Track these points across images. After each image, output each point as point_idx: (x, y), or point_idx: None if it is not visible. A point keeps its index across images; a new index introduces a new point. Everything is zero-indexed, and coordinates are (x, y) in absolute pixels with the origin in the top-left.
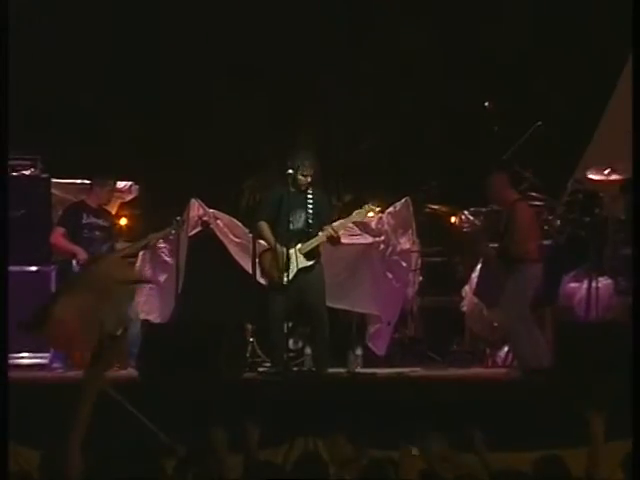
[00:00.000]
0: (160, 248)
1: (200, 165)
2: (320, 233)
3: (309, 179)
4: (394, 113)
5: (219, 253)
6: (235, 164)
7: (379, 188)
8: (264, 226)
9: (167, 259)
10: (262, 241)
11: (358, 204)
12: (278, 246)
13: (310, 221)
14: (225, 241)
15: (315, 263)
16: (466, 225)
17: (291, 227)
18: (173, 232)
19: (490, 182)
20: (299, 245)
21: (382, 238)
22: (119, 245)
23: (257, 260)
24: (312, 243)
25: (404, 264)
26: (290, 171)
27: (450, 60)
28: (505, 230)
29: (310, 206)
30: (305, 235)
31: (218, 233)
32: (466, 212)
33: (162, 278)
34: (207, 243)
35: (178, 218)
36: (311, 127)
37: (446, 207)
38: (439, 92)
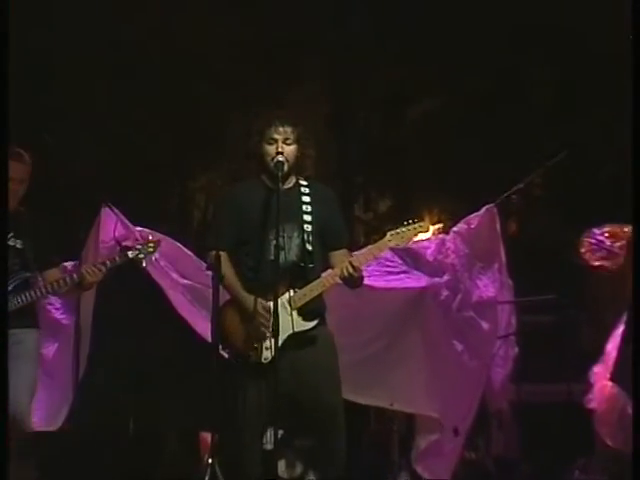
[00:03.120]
0: (46, 299)
1: (120, 150)
2: (330, 270)
3: (292, 162)
4: (455, 80)
5: (153, 305)
6: (179, 149)
7: (435, 189)
8: (221, 259)
9: (60, 317)
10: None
11: (398, 217)
12: (249, 297)
13: (308, 247)
14: (163, 284)
15: (319, 324)
16: (597, 255)
17: (270, 258)
18: (68, 280)
19: None
20: (289, 293)
21: (445, 278)
22: None
23: (220, 319)
24: (313, 289)
25: (486, 325)
26: (259, 149)
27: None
28: None
29: (307, 218)
30: (300, 274)
31: (151, 269)
32: (597, 231)
33: (51, 350)
34: (130, 288)
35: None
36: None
37: (555, 223)
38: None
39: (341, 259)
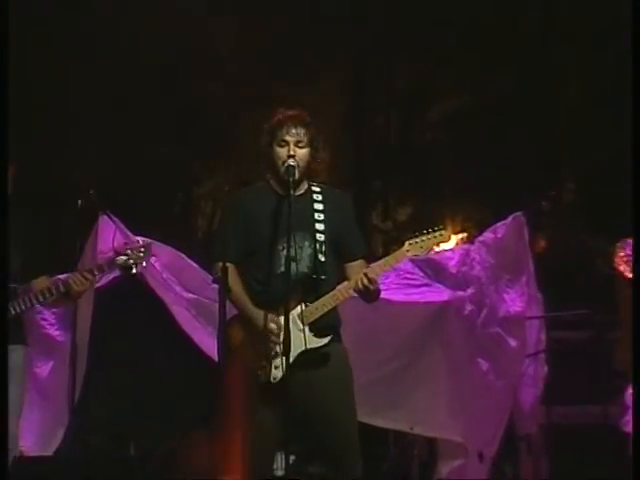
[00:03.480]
0: (40, 313)
1: (119, 153)
2: (346, 282)
3: (304, 167)
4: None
5: (155, 322)
6: (183, 151)
7: (459, 196)
8: (228, 272)
9: (55, 333)
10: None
11: (419, 226)
12: (258, 312)
13: (321, 257)
14: (166, 298)
15: (332, 341)
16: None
17: (280, 270)
18: (54, 290)
19: None
20: (301, 307)
21: (469, 292)
22: None
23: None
24: (325, 303)
25: (513, 342)
26: (272, 152)
27: None
28: None
29: (319, 226)
30: (311, 287)
31: (153, 282)
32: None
33: (44, 369)
34: (132, 302)
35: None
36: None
37: (587, 232)
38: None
39: (357, 271)
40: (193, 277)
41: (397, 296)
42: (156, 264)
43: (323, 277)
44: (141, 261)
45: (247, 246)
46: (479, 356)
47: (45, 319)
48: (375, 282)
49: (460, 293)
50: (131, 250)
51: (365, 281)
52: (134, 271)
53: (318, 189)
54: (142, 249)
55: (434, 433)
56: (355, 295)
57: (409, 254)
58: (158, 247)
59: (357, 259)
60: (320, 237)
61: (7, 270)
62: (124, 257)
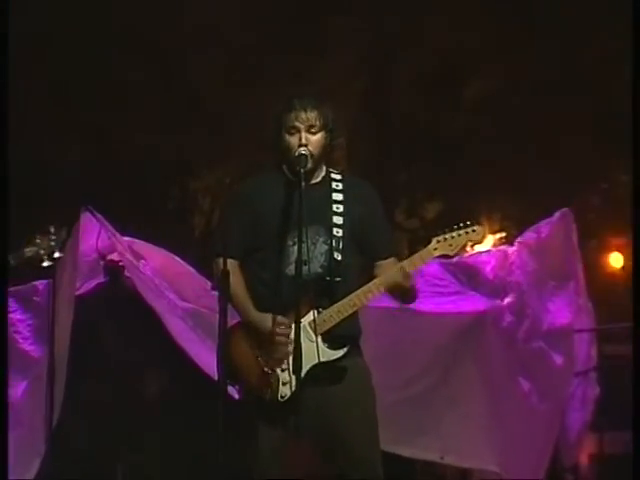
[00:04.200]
0: (14, 326)
1: (105, 141)
2: (367, 286)
3: (318, 155)
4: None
5: (145, 333)
6: (178, 140)
7: (497, 190)
8: (232, 270)
9: (29, 348)
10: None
11: (450, 224)
12: (265, 317)
13: (337, 256)
14: (158, 307)
15: (349, 353)
16: None
17: (290, 271)
18: None
19: None
20: (313, 313)
21: (508, 301)
22: None
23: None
24: (341, 310)
25: (559, 359)
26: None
27: None
28: None
29: (337, 220)
30: (325, 290)
31: (143, 290)
32: None
33: (18, 389)
34: (118, 311)
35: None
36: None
37: None
38: None
39: (389, 270)
40: (189, 283)
41: (425, 305)
42: (146, 268)
43: (338, 279)
44: (54, 250)
45: (252, 241)
46: (520, 375)
47: (18, 332)
48: (412, 279)
49: (497, 302)
50: (41, 238)
51: (400, 277)
52: (45, 264)
53: (339, 177)
54: (53, 236)
55: (468, 463)
56: (372, 301)
57: (436, 253)
58: (150, 249)
59: (389, 257)
60: (337, 232)
61: (7, 270)
62: (33, 247)
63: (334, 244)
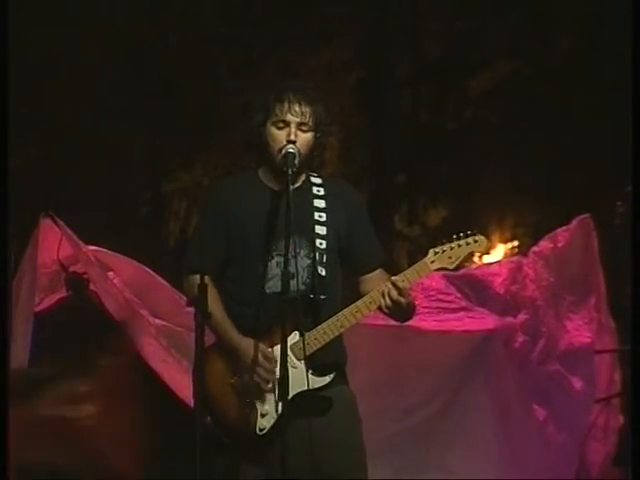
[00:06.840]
0: None
1: (68, 139)
2: (355, 305)
3: (305, 155)
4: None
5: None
6: (151, 137)
7: (508, 194)
8: (208, 289)
9: None
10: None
11: (455, 231)
12: (248, 341)
13: (321, 270)
14: (128, 325)
15: (335, 382)
16: None
17: (269, 288)
18: None
19: None
20: (295, 335)
21: (521, 318)
22: None
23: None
24: (327, 332)
25: (578, 383)
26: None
27: None
28: None
29: (320, 230)
30: (308, 309)
31: (111, 305)
32: None
33: None
34: (82, 329)
35: None
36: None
37: None
38: None
39: (377, 283)
40: (163, 298)
41: (427, 323)
42: (115, 281)
43: (323, 297)
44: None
45: (226, 254)
46: (534, 401)
47: None
48: (407, 293)
49: (509, 320)
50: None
51: (394, 293)
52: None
53: (319, 180)
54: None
55: None
56: (361, 321)
57: (434, 267)
58: (118, 260)
59: (374, 269)
60: (321, 244)
61: (7, 270)
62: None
63: (317, 257)
